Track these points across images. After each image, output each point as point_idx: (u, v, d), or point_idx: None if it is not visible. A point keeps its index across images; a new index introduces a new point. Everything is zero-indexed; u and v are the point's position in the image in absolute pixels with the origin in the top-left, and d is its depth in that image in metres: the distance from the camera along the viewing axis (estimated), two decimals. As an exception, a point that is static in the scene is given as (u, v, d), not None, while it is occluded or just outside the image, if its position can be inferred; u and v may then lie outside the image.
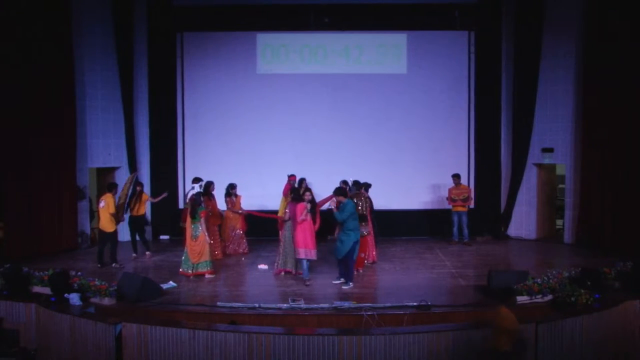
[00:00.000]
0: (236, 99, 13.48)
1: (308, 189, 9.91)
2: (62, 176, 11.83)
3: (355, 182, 10.69)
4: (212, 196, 11.39)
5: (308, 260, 9.48)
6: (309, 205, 9.48)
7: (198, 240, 9.87)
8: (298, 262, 9.74)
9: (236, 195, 11.60)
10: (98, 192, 13.48)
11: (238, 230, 11.71)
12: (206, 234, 9.91)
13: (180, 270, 9.98)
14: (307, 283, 9.37)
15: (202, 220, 9.89)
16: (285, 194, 11.84)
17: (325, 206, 11.05)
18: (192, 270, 9.86)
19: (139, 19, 13.09)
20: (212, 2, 13.29)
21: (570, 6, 12.29)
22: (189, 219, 10.01)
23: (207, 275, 9.88)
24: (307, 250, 9.42)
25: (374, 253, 10.78)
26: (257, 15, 13.29)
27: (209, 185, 11.40)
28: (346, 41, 13.50)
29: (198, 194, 10.29)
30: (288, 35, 13.48)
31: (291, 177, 12.24)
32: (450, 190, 12.52)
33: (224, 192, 11.61)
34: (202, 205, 10.10)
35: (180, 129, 13.57)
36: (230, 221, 11.69)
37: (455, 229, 12.58)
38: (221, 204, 11.65)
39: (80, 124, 12.31)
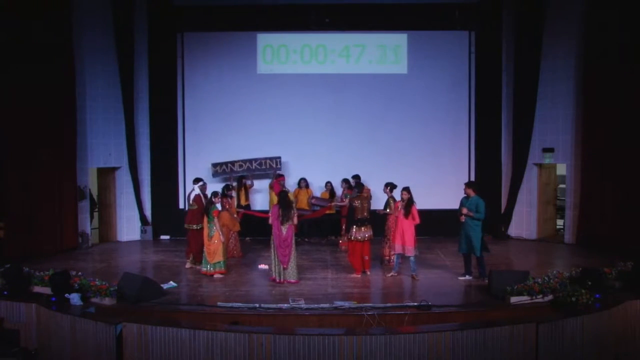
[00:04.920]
0: (236, 99, 13.47)
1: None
2: (62, 176, 11.82)
3: (358, 184, 10.68)
4: (207, 196, 11.31)
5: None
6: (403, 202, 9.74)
7: (212, 240, 9.88)
8: (284, 270, 9.57)
9: (231, 197, 11.52)
10: (98, 192, 13.51)
11: (234, 233, 11.56)
12: (221, 233, 9.92)
13: (202, 270, 9.98)
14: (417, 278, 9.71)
15: (216, 219, 9.88)
16: (276, 192, 11.75)
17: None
18: (212, 269, 9.88)
19: (139, 19, 13.08)
20: (212, 2, 13.28)
21: (570, 6, 12.29)
22: (205, 220, 9.99)
23: (216, 275, 9.88)
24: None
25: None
26: (257, 15, 13.29)
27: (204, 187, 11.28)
28: (346, 41, 13.49)
29: (213, 193, 10.23)
30: (288, 35, 13.47)
31: (280, 178, 12.24)
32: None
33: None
34: (215, 205, 10.05)
35: (181, 129, 13.57)
36: (227, 223, 11.52)
37: None
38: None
39: (81, 124, 12.30)
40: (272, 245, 9.66)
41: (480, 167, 13.56)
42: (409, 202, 9.75)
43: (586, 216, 12.10)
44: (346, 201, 11.58)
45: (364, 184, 11.55)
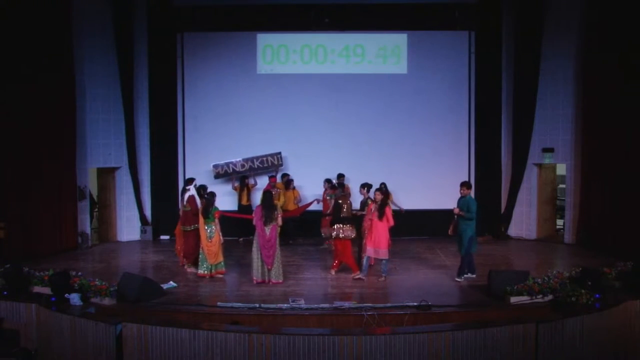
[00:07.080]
0: (236, 99, 13.47)
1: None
2: (62, 176, 11.82)
3: (340, 184, 10.67)
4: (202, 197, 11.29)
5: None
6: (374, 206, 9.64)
7: (213, 241, 9.85)
8: (269, 270, 9.48)
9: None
10: (98, 192, 13.51)
11: None
12: (220, 234, 9.89)
13: (198, 272, 9.92)
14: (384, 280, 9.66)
15: (217, 220, 9.87)
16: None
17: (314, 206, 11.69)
18: (210, 271, 9.85)
19: (139, 19, 13.09)
20: (212, 2, 13.28)
21: (570, 6, 12.30)
22: (202, 220, 9.95)
23: (219, 275, 9.89)
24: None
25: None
26: (257, 15, 13.29)
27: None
28: (346, 41, 13.49)
29: (211, 194, 10.19)
30: (288, 35, 13.47)
31: (271, 179, 12.26)
32: None
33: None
34: (215, 205, 10.04)
35: (180, 129, 13.56)
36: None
37: None
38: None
39: (80, 124, 12.31)
40: (255, 246, 9.57)
41: (480, 167, 13.56)
42: (382, 204, 9.60)
43: (586, 216, 12.09)
44: (330, 200, 11.55)
45: (347, 183, 11.85)
